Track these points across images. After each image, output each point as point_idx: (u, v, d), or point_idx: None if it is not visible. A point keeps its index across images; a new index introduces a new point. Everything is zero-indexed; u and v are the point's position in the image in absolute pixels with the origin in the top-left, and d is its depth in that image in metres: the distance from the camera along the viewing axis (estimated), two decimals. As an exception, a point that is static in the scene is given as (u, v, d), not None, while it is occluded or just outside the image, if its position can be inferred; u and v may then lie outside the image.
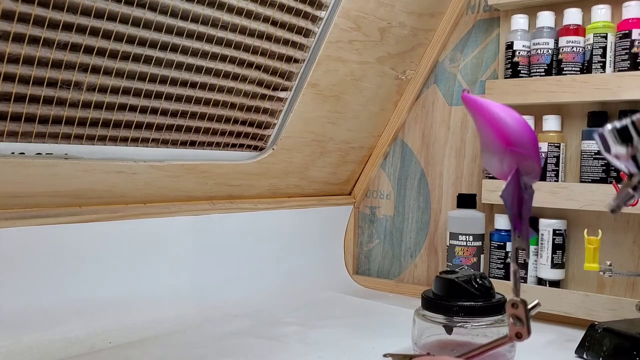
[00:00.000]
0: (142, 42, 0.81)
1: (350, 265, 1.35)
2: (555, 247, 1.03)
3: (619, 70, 0.97)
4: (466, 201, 1.11)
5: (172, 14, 0.82)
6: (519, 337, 0.53)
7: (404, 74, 1.26)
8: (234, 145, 1.04)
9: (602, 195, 0.96)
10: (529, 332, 0.53)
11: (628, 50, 0.96)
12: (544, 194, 1.02)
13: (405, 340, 0.86)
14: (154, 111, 0.89)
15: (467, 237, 1.07)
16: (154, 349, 0.84)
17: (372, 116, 1.28)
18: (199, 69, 0.90)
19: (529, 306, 0.53)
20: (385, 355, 0.57)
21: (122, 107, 0.85)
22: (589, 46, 1.00)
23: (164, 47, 0.84)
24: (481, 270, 1.08)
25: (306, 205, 1.26)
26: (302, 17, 1.00)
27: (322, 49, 1.05)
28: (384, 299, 1.20)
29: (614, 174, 0.97)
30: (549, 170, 1.04)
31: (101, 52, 0.78)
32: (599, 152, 0.99)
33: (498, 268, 1.08)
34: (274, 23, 0.96)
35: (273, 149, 1.10)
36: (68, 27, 0.73)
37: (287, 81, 1.05)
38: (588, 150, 1.00)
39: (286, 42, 1.00)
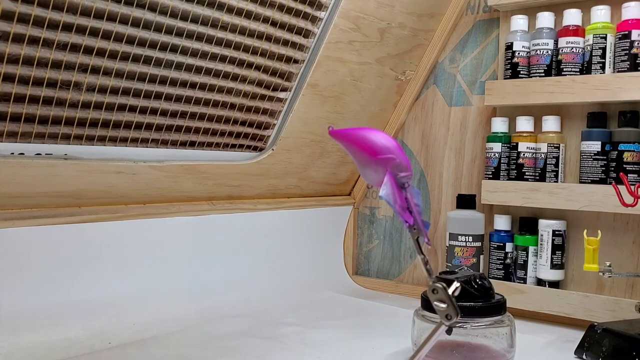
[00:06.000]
0: (142, 43, 0.81)
1: (350, 265, 1.35)
2: (555, 248, 1.03)
3: (619, 71, 0.97)
4: (466, 202, 1.11)
5: (172, 14, 0.82)
6: (448, 318, 0.56)
7: (404, 74, 1.26)
8: (233, 146, 1.04)
9: (602, 196, 0.96)
10: (456, 311, 0.56)
11: (627, 51, 0.96)
12: (543, 195, 1.02)
13: (405, 341, 0.86)
14: (154, 111, 0.89)
15: (467, 237, 1.08)
16: (153, 350, 0.84)
17: (372, 117, 1.28)
18: (198, 70, 0.90)
19: (450, 289, 0.57)
20: None
21: (121, 108, 0.85)
22: (588, 47, 1.00)
23: (163, 47, 0.84)
24: (480, 271, 1.08)
25: (306, 205, 1.26)
26: (302, 18, 1.00)
27: (321, 49, 1.05)
28: (383, 299, 1.20)
29: (614, 175, 0.97)
30: (548, 171, 1.04)
31: (101, 53, 0.78)
32: (598, 153, 0.99)
33: (497, 268, 1.08)
34: (274, 24, 0.96)
35: (273, 149, 1.10)
36: (68, 27, 0.73)
37: (286, 82, 1.05)
38: (588, 151, 1.00)
39: (286, 43, 1.00)
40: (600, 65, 0.99)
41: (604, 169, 0.99)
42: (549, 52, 1.04)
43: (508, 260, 1.08)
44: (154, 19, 0.80)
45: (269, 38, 0.96)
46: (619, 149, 0.97)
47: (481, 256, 1.09)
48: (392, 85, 1.25)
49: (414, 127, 1.29)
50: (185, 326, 0.95)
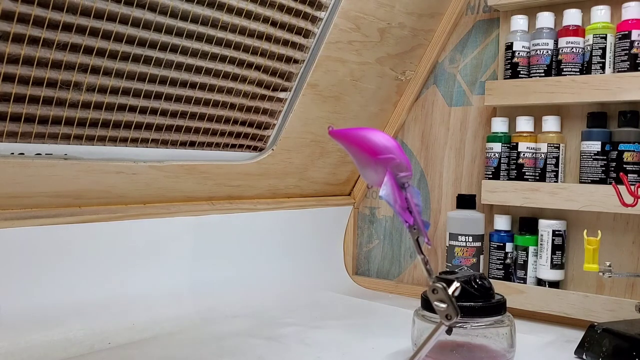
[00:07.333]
0: (142, 43, 0.81)
1: (350, 265, 1.35)
2: (555, 248, 1.03)
3: (619, 71, 0.97)
4: (466, 202, 1.11)
5: (172, 14, 0.82)
6: (448, 318, 0.56)
7: (404, 74, 1.26)
8: (233, 146, 1.04)
9: (602, 196, 0.96)
10: (456, 311, 0.56)
11: (627, 51, 0.96)
12: (543, 195, 1.02)
13: (405, 341, 0.86)
14: (154, 111, 0.89)
15: (467, 237, 1.08)
16: (153, 350, 0.84)
17: (372, 117, 1.28)
18: (198, 70, 0.90)
19: (450, 289, 0.57)
20: None
21: (121, 108, 0.85)
22: (588, 47, 1.00)
23: (163, 47, 0.84)
24: (480, 271, 1.08)
25: (305, 205, 1.26)
26: (302, 18, 1.00)
27: (321, 49, 1.05)
28: (383, 299, 1.20)
29: (614, 175, 0.97)
30: (548, 171, 1.04)
31: (101, 53, 0.78)
32: (598, 153, 0.99)
33: (497, 269, 1.08)
34: (274, 24, 0.96)
35: (272, 149, 1.10)
36: (68, 27, 0.73)
37: (286, 82, 1.05)
38: (588, 151, 1.00)
39: (286, 43, 1.00)
40: (600, 65, 0.99)
41: (604, 169, 0.99)
42: (549, 52, 1.04)
43: (508, 260, 1.08)
44: (154, 19, 0.80)
45: (269, 38, 0.96)
46: (619, 149, 0.97)
47: (481, 256, 1.09)
48: (392, 85, 1.25)
49: (414, 127, 1.29)
50: (185, 326, 0.95)
